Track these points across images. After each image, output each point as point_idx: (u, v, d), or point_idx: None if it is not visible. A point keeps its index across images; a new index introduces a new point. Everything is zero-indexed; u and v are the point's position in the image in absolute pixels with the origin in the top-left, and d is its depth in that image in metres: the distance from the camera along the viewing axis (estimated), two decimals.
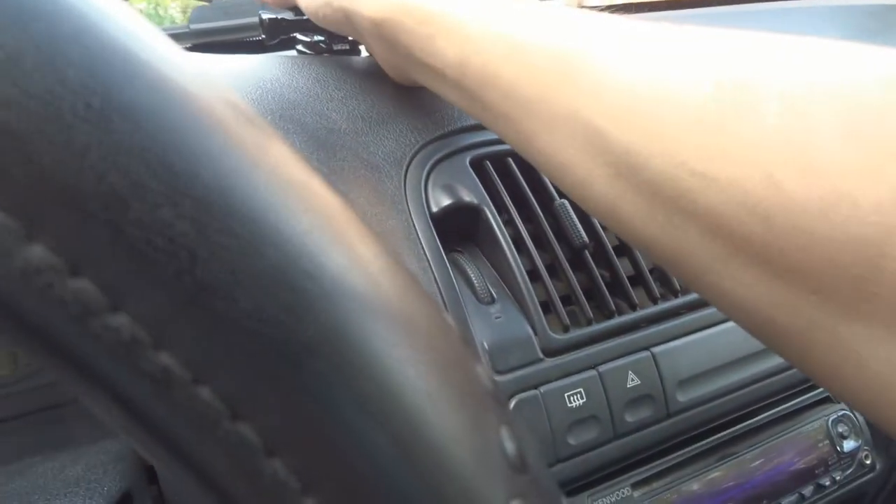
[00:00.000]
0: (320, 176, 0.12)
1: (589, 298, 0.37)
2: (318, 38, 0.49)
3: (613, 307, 0.36)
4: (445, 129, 0.39)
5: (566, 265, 0.37)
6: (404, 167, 0.36)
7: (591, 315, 0.36)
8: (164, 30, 0.63)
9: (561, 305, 0.36)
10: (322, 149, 0.33)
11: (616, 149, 0.24)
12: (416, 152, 0.37)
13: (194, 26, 0.61)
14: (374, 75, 0.43)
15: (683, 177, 0.22)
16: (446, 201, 0.36)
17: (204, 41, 0.62)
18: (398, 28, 0.33)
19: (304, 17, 0.44)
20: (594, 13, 0.28)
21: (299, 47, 0.51)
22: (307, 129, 0.34)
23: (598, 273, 0.37)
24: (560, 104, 0.26)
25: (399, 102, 0.40)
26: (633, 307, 0.37)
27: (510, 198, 0.38)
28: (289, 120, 0.33)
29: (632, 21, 0.27)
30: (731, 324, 0.39)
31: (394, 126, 0.38)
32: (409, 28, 0.32)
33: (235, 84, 0.36)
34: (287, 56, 0.45)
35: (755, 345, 0.38)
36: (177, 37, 0.62)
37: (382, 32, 0.34)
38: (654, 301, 0.38)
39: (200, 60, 0.41)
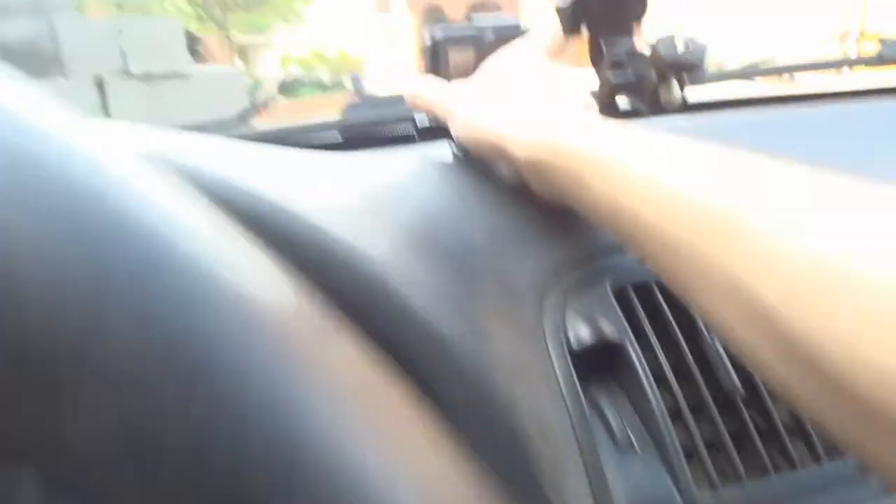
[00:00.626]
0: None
1: (739, 449, 0.34)
2: None
3: (769, 462, 0.33)
4: (588, 250, 0.38)
5: (713, 408, 0.34)
6: (542, 294, 0.35)
7: (742, 470, 0.32)
8: (316, 127, 0.67)
9: (706, 454, 0.33)
10: (462, 272, 0.33)
11: (787, 332, 0.22)
12: (556, 276, 0.36)
13: (348, 121, 0.65)
14: (515, 187, 0.43)
15: (871, 377, 0.19)
16: (587, 337, 0.34)
17: (356, 134, 0.66)
18: (549, 167, 0.33)
19: None
20: (755, 158, 0.27)
21: (451, 144, 0.52)
22: (446, 251, 0.34)
23: (749, 419, 0.34)
24: (720, 269, 0.24)
25: (541, 219, 0.40)
26: (793, 464, 0.33)
27: (653, 326, 0.36)
28: (429, 240, 0.33)
29: (810, 177, 0.24)
30: None
31: (534, 246, 0.38)
32: (560, 168, 0.32)
33: (375, 194, 0.37)
34: (431, 161, 0.46)
35: None
36: (330, 130, 0.66)
37: (535, 169, 0.35)
38: (817, 459, 0.34)
39: (339, 159, 0.43)
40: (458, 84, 0.43)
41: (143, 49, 3.22)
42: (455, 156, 0.52)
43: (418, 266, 0.30)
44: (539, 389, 0.31)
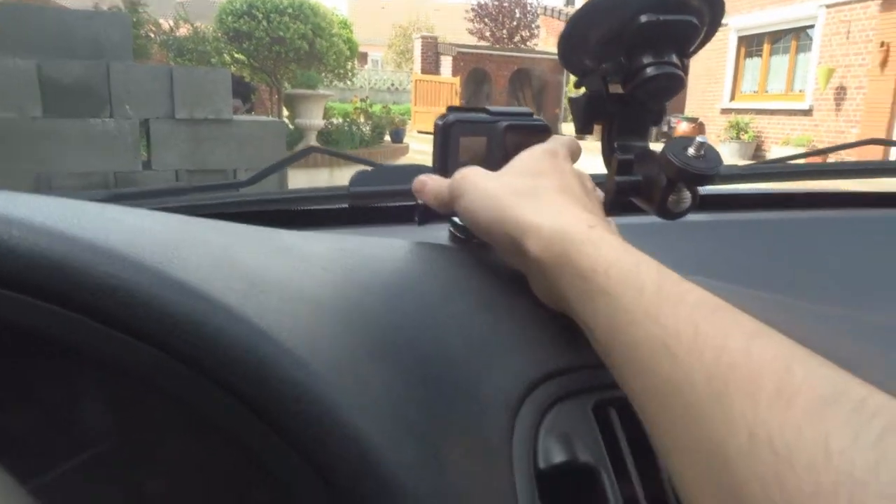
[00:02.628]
0: None
1: None
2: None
3: None
4: (572, 362, 0.36)
5: None
6: (516, 408, 0.33)
7: None
8: (323, 191, 0.67)
9: None
10: (428, 387, 0.30)
11: None
12: (534, 388, 0.34)
13: (353, 189, 0.64)
14: (510, 281, 0.41)
15: None
16: (558, 458, 0.31)
17: (361, 203, 0.65)
18: (559, 274, 0.32)
19: None
20: (773, 335, 0.24)
21: (452, 229, 0.50)
22: (418, 359, 0.31)
23: None
24: (707, 437, 0.22)
25: (528, 323, 0.37)
26: None
27: (634, 450, 0.33)
28: (400, 347, 0.31)
29: (830, 374, 0.21)
30: None
31: (516, 353, 0.35)
32: (569, 278, 0.31)
33: (349, 288, 0.35)
34: (422, 248, 0.44)
35: None
36: (336, 198, 0.65)
37: (544, 273, 0.33)
38: None
39: (332, 240, 0.41)
40: (475, 168, 0.42)
41: (190, 96, 3.35)
42: (452, 240, 0.50)
43: (375, 379, 0.28)
44: None
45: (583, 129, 0.47)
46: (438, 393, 0.30)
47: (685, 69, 0.41)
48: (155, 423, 0.30)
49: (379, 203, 0.65)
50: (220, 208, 0.63)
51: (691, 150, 0.39)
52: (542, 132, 0.49)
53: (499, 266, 0.43)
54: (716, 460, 0.21)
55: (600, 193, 0.45)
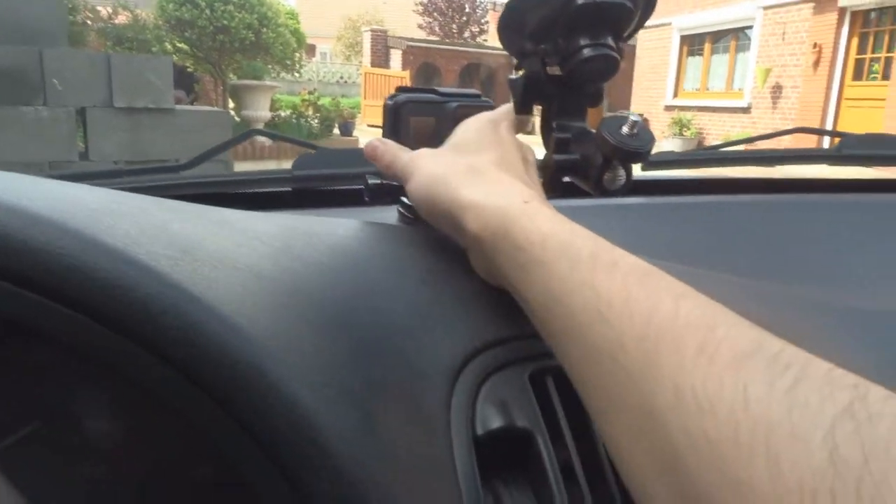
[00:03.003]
0: None
1: None
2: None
3: None
4: (510, 332, 0.36)
5: None
6: (455, 376, 0.33)
7: None
8: (266, 174, 0.66)
9: None
10: (366, 355, 0.30)
11: (688, 482, 0.20)
12: (472, 358, 0.34)
13: (297, 172, 0.63)
14: (451, 258, 0.41)
15: None
16: (495, 424, 0.32)
17: (303, 186, 0.64)
18: (497, 248, 0.32)
19: None
20: (702, 302, 0.25)
21: (401, 209, 0.51)
22: (357, 328, 0.32)
23: None
24: (638, 396, 0.23)
25: (467, 296, 0.38)
26: None
27: (569, 415, 0.34)
28: (340, 318, 0.31)
29: (749, 331, 0.23)
30: None
31: (454, 324, 0.36)
32: (506, 251, 0.31)
33: (297, 268, 0.35)
34: (367, 226, 0.44)
35: None
36: (279, 181, 0.64)
37: (482, 248, 0.34)
38: None
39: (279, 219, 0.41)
40: (424, 151, 0.42)
41: (129, 84, 3.24)
42: (401, 220, 0.51)
43: (312, 347, 0.28)
44: (432, 485, 0.29)
45: (521, 110, 0.48)
46: (376, 361, 0.30)
47: (620, 52, 0.42)
48: (89, 395, 0.30)
49: (323, 186, 0.65)
50: (159, 190, 0.61)
51: (625, 129, 0.40)
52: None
53: (442, 244, 0.43)
54: (645, 418, 0.22)
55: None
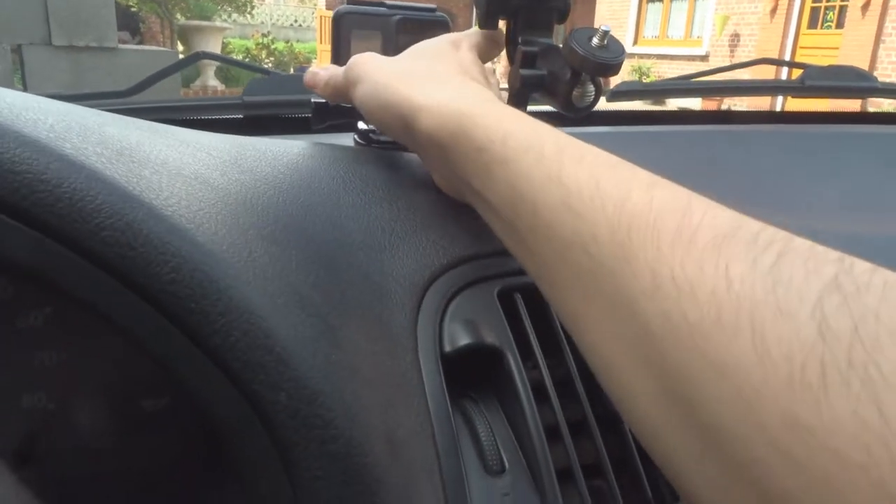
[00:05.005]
0: None
1: (621, 473, 0.31)
2: (369, 127, 0.47)
3: (650, 493, 0.30)
4: (477, 250, 0.35)
5: (595, 426, 0.31)
6: (421, 294, 0.32)
7: (621, 501, 0.29)
8: (218, 100, 0.62)
9: (583, 479, 0.30)
10: (324, 268, 0.28)
11: (671, 370, 0.19)
12: (438, 276, 0.33)
13: (248, 98, 0.60)
14: (413, 178, 0.39)
15: (759, 444, 0.16)
16: (463, 341, 0.31)
17: (255, 114, 0.61)
18: (456, 150, 0.30)
19: None
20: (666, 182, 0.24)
21: (356, 136, 0.48)
22: (314, 241, 0.30)
23: (634, 443, 0.31)
24: (613, 288, 0.21)
25: (430, 214, 0.36)
26: (676, 496, 0.31)
27: (540, 337, 0.33)
28: (294, 230, 0.29)
29: (726, 213, 0.21)
30: None
31: (418, 242, 0.34)
32: (466, 152, 0.29)
33: (247, 181, 0.33)
34: (324, 147, 0.41)
35: None
36: (230, 107, 0.61)
37: (440, 151, 0.31)
38: None
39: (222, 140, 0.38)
40: (371, 54, 0.39)
41: (69, 20, 3.04)
42: (356, 143, 0.48)
43: (264, 255, 0.25)
44: (398, 401, 0.27)
45: (486, 23, 0.45)
46: (334, 274, 0.28)
47: None
48: (15, 313, 0.27)
49: (275, 112, 0.61)
50: None
51: (595, 41, 0.38)
52: (440, 27, 0.47)
53: (404, 164, 0.41)
54: (623, 309, 0.21)
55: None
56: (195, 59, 0.67)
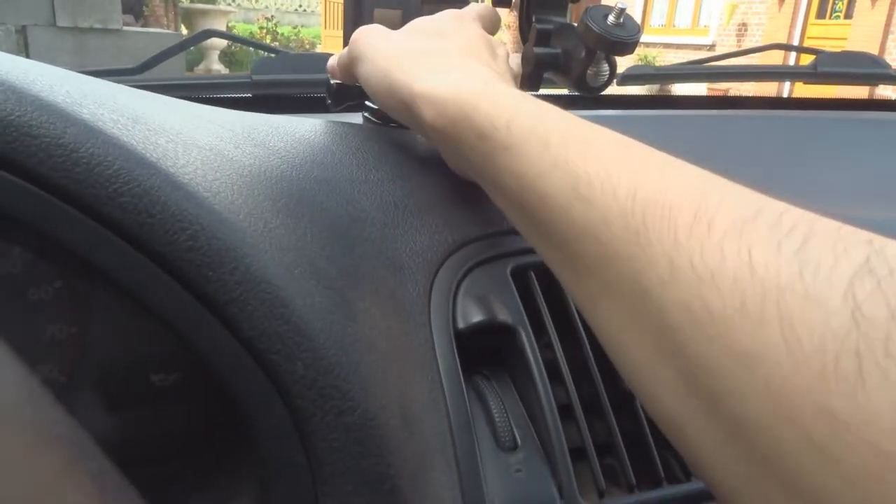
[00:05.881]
0: None
1: (633, 454, 0.30)
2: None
3: (662, 472, 0.30)
4: (490, 227, 0.34)
5: (608, 406, 0.31)
6: (434, 271, 0.31)
7: (633, 479, 0.29)
8: (227, 78, 0.62)
9: (596, 458, 0.29)
10: (338, 242, 0.28)
11: (692, 361, 0.18)
12: (451, 253, 0.33)
13: (256, 77, 0.59)
14: (425, 156, 0.39)
15: (789, 437, 0.16)
16: (477, 318, 0.30)
17: (264, 93, 0.60)
18: (458, 138, 0.29)
19: None
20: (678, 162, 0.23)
21: (366, 114, 0.47)
22: (327, 215, 0.29)
23: (647, 423, 0.31)
24: (628, 277, 0.21)
25: (443, 192, 0.36)
26: (689, 475, 0.30)
27: (554, 316, 0.33)
28: (308, 204, 0.29)
29: (746, 195, 0.21)
30: None
31: (431, 219, 0.34)
32: (470, 141, 0.28)
33: (261, 154, 0.33)
34: (336, 125, 0.41)
35: None
36: (238, 86, 0.60)
37: (443, 138, 0.30)
38: None
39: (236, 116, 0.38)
40: (375, 27, 0.38)
41: (74, 3, 3.02)
42: (366, 120, 0.48)
43: (280, 227, 0.25)
44: (413, 376, 0.27)
45: (499, 2, 0.44)
46: (348, 249, 0.28)
47: None
48: (29, 280, 0.27)
49: (284, 92, 0.61)
50: None
51: (611, 18, 0.37)
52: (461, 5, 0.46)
53: (413, 143, 0.41)
54: (639, 299, 0.20)
55: (516, 63, 0.43)
56: (204, 36, 0.66)
